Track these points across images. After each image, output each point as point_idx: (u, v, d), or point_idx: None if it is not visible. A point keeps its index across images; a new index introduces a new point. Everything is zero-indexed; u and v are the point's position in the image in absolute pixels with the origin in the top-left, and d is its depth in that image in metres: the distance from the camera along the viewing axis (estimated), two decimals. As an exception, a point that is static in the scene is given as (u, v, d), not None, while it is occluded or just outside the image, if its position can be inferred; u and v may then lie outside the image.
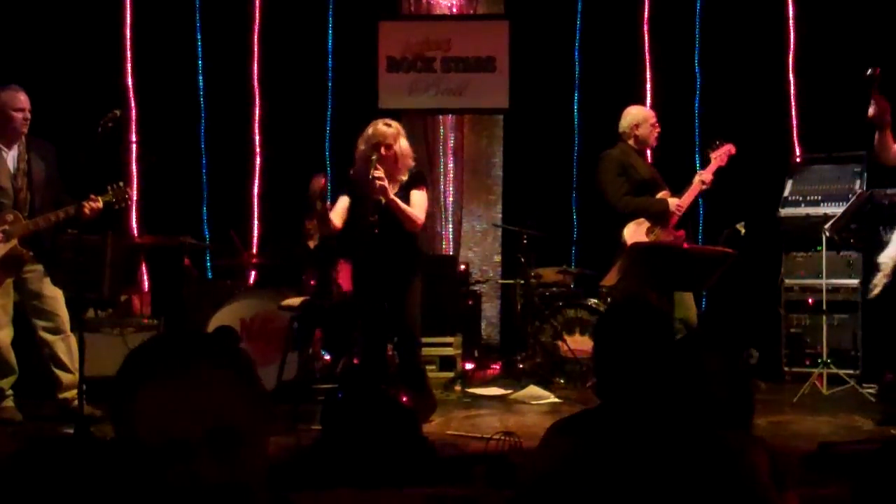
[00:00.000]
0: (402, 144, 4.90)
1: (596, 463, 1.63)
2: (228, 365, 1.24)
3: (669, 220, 5.56)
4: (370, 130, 4.88)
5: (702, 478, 1.61)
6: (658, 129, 5.82)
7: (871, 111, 4.76)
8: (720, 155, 5.70)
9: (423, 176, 5.14)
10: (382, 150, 4.78)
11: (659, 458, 1.62)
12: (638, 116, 5.84)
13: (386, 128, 4.87)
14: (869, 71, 4.66)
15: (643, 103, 7.65)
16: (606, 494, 1.60)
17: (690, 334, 5.17)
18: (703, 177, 5.64)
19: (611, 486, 1.60)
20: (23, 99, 4.90)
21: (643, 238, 5.49)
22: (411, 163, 4.94)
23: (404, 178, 4.90)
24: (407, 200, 4.89)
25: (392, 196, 4.77)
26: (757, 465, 1.64)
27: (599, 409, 1.82)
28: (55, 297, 4.99)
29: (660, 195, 5.64)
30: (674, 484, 1.60)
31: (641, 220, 5.61)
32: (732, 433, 1.71)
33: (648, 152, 6.11)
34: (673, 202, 5.58)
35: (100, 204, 4.88)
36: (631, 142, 5.79)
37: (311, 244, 7.13)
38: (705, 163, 5.77)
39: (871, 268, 5.07)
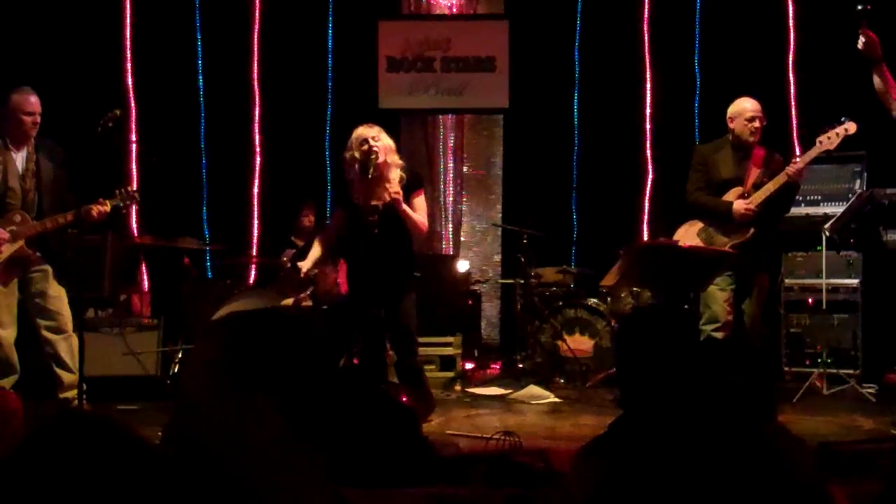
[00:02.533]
0: (387, 140, 4.93)
1: (634, 483, 1.56)
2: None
3: (737, 221, 5.21)
4: (353, 135, 4.92)
5: (747, 475, 1.54)
6: (754, 125, 5.30)
7: (860, 44, 4.46)
8: (828, 137, 5.09)
9: (420, 177, 5.16)
10: (371, 141, 4.80)
11: (699, 466, 1.55)
12: (733, 109, 5.38)
13: (367, 128, 4.92)
14: (860, 6, 4.43)
15: (643, 103, 7.68)
16: None
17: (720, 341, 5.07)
18: (789, 170, 5.10)
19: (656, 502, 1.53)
20: (34, 102, 4.90)
21: (694, 240, 5.32)
22: (398, 159, 4.95)
23: (395, 176, 4.89)
24: (408, 202, 4.91)
25: (404, 207, 4.82)
26: (802, 457, 1.60)
27: (625, 423, 1.75)
28: (59, 296, 4.99)
29: (729, 194, 5.29)
30: (721, 487, 1.54)
31: (696, 220, 5.39)
32: (771, 427, 1.66)
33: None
34: (739, 205, 5.14)
35: (107, 208, 4.89)
36: (731, 136, 5.39)
37: (300, 242, 7.15)
38: (809, 147, 5.20)
39: (871, 267, 5.02)
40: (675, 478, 1.54)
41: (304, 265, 5.00)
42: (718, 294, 5.19)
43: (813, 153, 5.13)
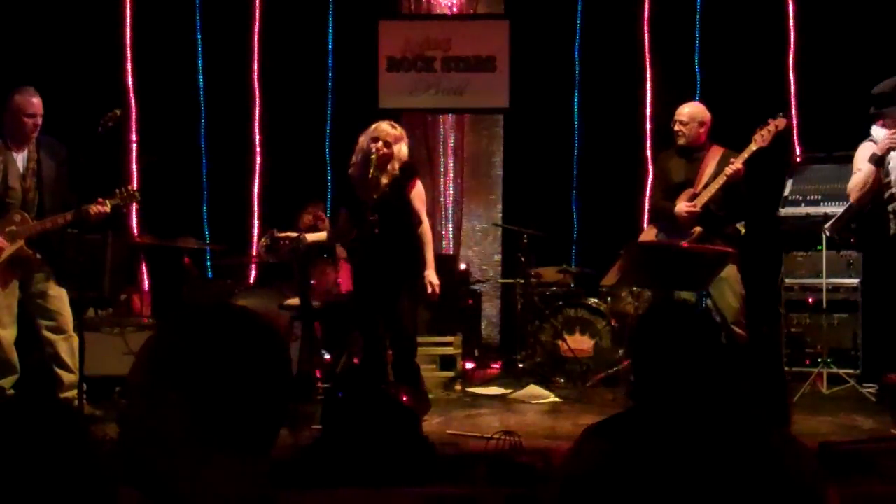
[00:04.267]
0: (402, 150, 4.85)
1: (632, 467, 1.59)
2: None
3: (682, 223, 5.33)
4: (373, 126, 4.87)
5: (745, 478, 1.57)
6: (674, 127, 5.48)
7: (888, 139, 4.63)
8: (762, 135, 5.19)
9: (414, 168, 5.08)
10: (380, 145, 4.76)
11: (699, 461, 1.58)
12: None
13: (390, 128, 4.86)
14: None
15: (643, 103, 7.69)
16: (643, 499, 1.57)
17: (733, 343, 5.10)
18: (727, 170, 5.18)
19: (648, 491, 1.57)
20: (35, 103, 4.88)
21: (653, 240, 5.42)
22: (398, 169, 4.89)
23: (387, 179, 4.86)
24: (400, 196, 4.87)
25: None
26: (803, 463, 1.62)
27: (634, 412, 1.77)
28: (60, 296, 4.99)
29: (681, 196, 5.38)
30: (716, 486, 1.57)
31: (653, 225, 5.54)
32: (776, 431, 1.68)
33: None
34: (680, 207, 5.30)
35: (107, 208, 4.89)
36: None
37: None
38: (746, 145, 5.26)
39: (871, 267, 5.03)
40: (673, 472, 1.58)
41: (293, 234, 5.08)
42: (686, 297, 5.31)
43: (746, 153, 5.22)
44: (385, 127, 4.84)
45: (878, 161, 4.60)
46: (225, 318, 1.27)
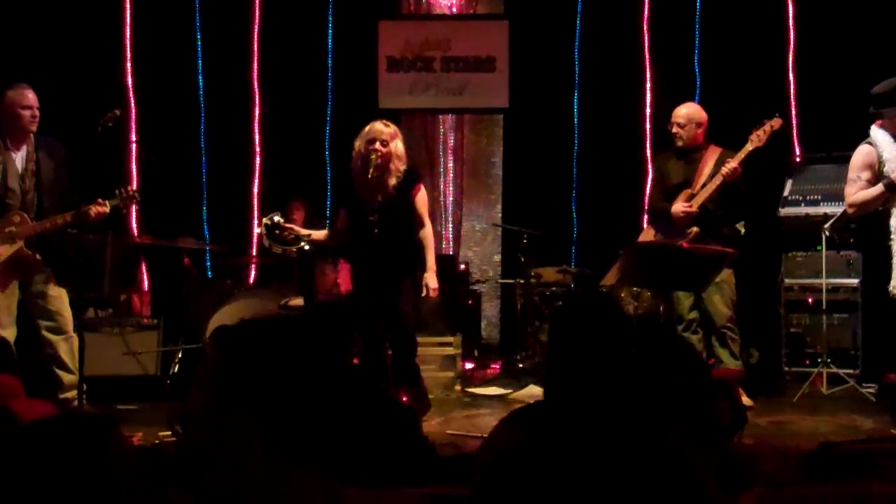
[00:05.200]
0: (398, 146, 4.87)
1: (543, 455, 1.63)
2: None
3: (678, 223, 5.37)
4: (366, 128, 4.89)
5: (640, 475, 1.61)
6: (673, 130, 5.50)
7: None
8: (758, 135, 5.21)
9: (418, 173, 5.12)
10: (377, 145, 4.77)
11: (602, 454, 1.62)
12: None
13: (384, 126, 4.88)
14: None
15: (643, 103, 7.68)
16: (553, 486, 1.61)
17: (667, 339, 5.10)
18: (723, 170, 5.19)
19: (558, 479, 1.61)
20: (30, 97, 4.89)
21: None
22: (402, 168, 4.91)
23: (393, 181, 4.87)
24: (405, 201, 4.89)
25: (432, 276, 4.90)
26: (699, 468, 1.65)
27: (548, 402, 1.80)
28: (59, 296, 4.99)
29: (679, 196, 5.41)
30: (615, 480, 1.61)
31: (650, 227, 5.57)
32: (675, 435, 1.71)
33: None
34: (676, 208, 5.34)
35: (107, 209, 4.89)
36: None
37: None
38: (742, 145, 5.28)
39: (882, 266, 4.99)
40: (574, 460, 1.62)
41: (299, 228, 4.99)
42: (681, 295, 5.32)
43: (742, 153, 5.24)
44: (379, 126, 4.86)
45: (892, 188, 4.54)
46: (286, 332, 1.26)
